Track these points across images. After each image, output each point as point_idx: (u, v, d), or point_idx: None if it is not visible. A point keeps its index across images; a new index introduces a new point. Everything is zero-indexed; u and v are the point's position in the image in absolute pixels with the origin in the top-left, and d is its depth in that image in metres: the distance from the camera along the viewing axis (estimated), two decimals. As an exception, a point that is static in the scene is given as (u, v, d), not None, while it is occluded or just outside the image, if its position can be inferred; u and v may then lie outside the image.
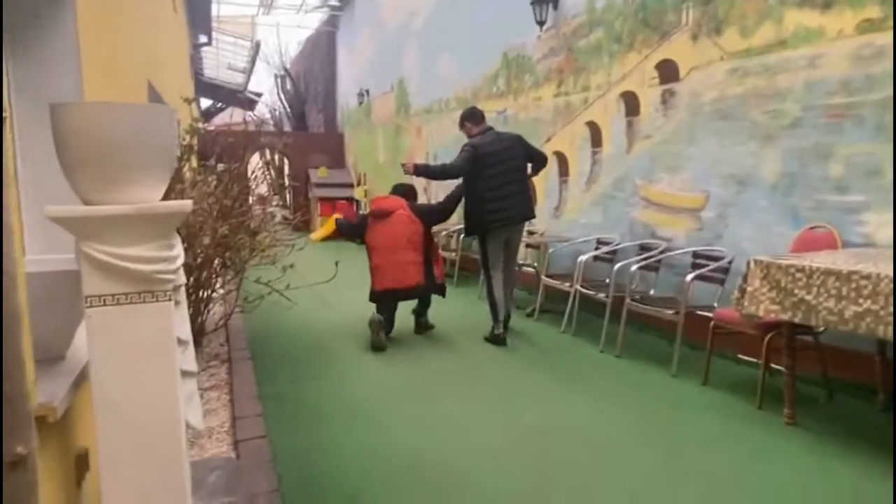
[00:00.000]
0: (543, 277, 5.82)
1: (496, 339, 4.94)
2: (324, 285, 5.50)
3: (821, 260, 3.03)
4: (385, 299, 4.95)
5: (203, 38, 13.88)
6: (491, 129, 5.12)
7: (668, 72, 5.10)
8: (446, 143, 9.43)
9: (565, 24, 6.40)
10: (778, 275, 3.13)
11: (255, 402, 3.61)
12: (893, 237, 3.50)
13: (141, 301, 1.71)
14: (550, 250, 6.24)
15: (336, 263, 5.44)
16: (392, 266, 4.89)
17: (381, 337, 4.78)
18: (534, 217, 5.23)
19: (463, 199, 5.11)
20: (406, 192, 5.36)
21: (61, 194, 1.80)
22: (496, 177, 4.79)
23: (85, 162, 1.66)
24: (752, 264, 3.28)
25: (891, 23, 3.48)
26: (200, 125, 4.76)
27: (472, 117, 5.14)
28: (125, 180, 1.70)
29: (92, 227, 1.64)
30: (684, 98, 4.94)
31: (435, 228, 8.11)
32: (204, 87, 16.21)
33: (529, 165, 5.08)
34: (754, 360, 4.09)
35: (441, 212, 5.25)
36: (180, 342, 1.84)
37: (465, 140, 5.07)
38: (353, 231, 5.57)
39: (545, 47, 6.76)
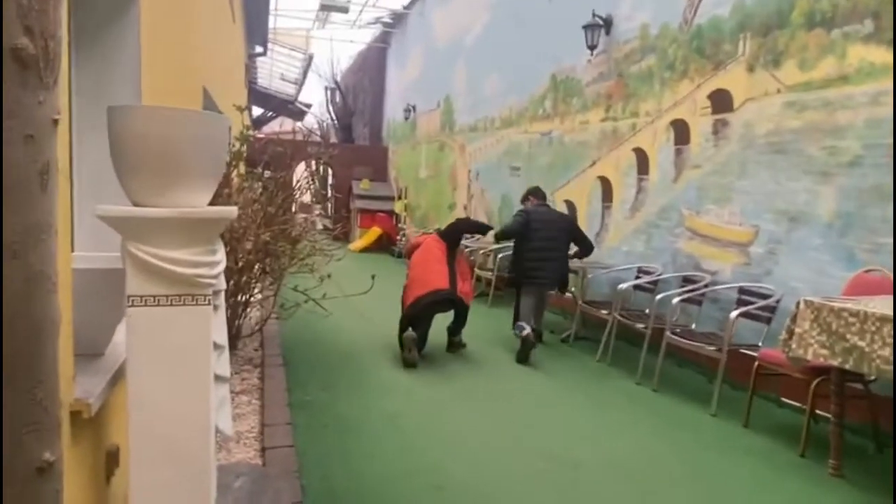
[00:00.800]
0: (581, 303, 5.73)
1: (524, 343, 5.02)
2: (359, 298, 5.52)
3: (877, 305, 2.89)
4: (418, 307, 4.96)
5: (259, 49, 14.27)
6: (547, 205, 5.80)
7: (721, 102, 5.00)
8: (489, 161, 9.44)
9: (617, 50, 6.34)
10: (829, 318, 2.99)
11: (285, 410, 3.61)
12: (893, 264, 3.34)
13: (181, 304, 1.72)
14: (590, 276, 6.14)
15: (373, 277, 5.45)
16: (422, 277, 5.03)
17: (413, 354, 4.76)
18: (566, 285, 5.69)
19: (513, 254, 5.71)
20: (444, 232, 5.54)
21: (115, 194, 1.84)
22: (539, 242, 5.39)
23: (138, 165, 1.69)
24: (802, 305, 3.15)
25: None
26: (251, 133, 4.86)
27: (536, 193, 5.85)
28: (176, 184, 1.72)
29: (139, 227, 1.66)
30: (737, 129, 4.82)
31: (473, 246, 8.12)
32: (256, 95, 16.66)
33: (575, 247, 5.65)
34: (799, 404, 3.93)
35: (450, 233, 5.37)
36: (216, 346, 1.85)
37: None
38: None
39: (595, 71, 6.71)
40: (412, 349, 4.78)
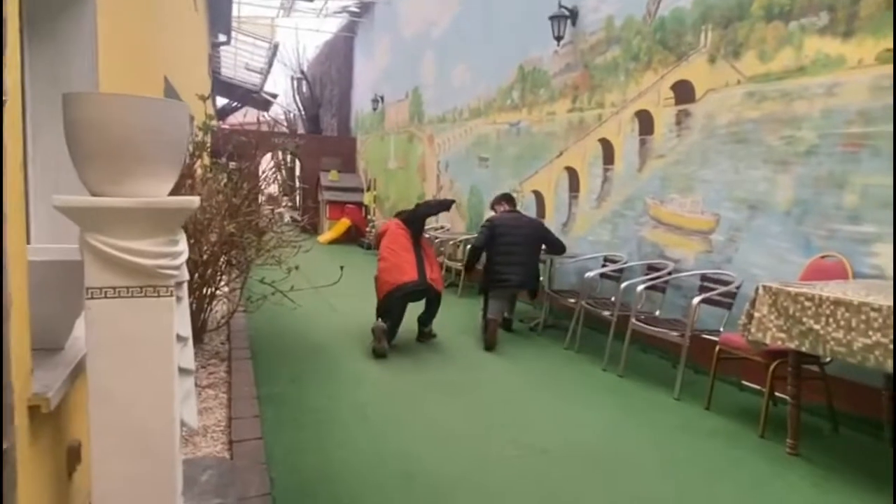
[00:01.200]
0: (549, 292, 5.79)
1: (487, 326, 5.22)
2: (328, 289, 5.49)
3: (831, 289, 2.99)
4: (391, 301, 4.98)
5: (222, 38, 13.98)
6: (517, 211, 5.98)
7: (684, 92, 5.08)
8: (458, 152, 9.44)
9: (583, 41, 6.39)
10: (787, 302, 3.09)
11: (253, 403, 3.58)
12: (893, 265, 3.47)
13: (142, 295, 1.70)
14: (557, 265, 6.21)
15: (341, 268, 5.42)
16: (394, 267, 5.02)
17: (382, 345, 4.77)
18: (535, 289, 5.69)
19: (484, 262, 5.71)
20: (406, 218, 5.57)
21: (75, 185, 1.80)
22: (505, 247, 5.47)
23: (95, 153, 1.65)
24: (760, 290, 3.24)
25: (912, 54, 3.46)
26: (214, 123, 4.77)
27: (507, 200, 6.00)
28: (135, 173, 1.69)
29: (97, 218, 1.63)
30: (699, 119, 4.92)
31: (443, 237, 8.12)
32: (220, 85, 16.34)
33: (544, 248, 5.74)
34: (758, 387, 4.05)
35: (413, 220, 5.37)
36: (180, 339, 1.83)
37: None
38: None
39: (562, 62, 6.76)
40: (382, 339, 4.79)
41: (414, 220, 5.33)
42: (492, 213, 6.01)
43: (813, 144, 4.01)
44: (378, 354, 4.74)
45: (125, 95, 1.69)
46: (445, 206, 5.91)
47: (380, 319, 4.91)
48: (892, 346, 2.63)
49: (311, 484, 2.75)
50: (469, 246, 5.92)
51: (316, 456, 3.03)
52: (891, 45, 3.56)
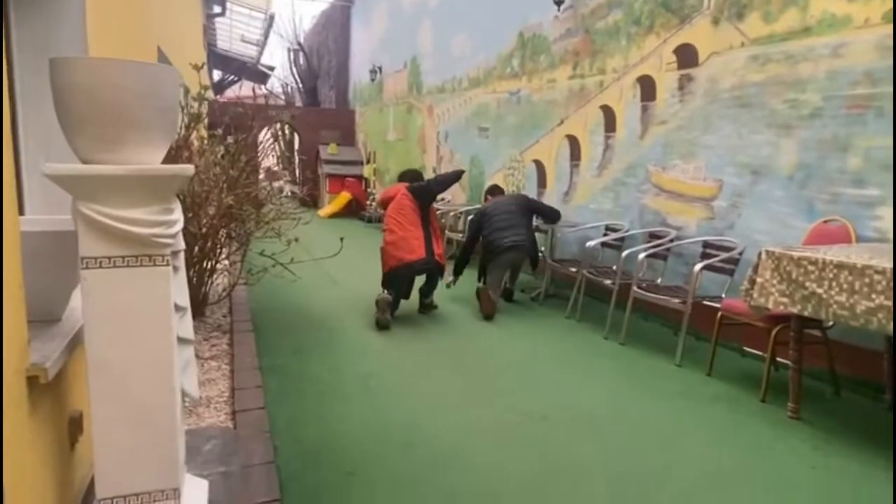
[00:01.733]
0: (550, 261, 5.77)
1: (480, 296, 5.30)
2: (329, 262, 5.48)
3: (834, 253, 2.97)
4: (398, 276, 4.95)
5: (217, 9, 13.74)
6: (504, 194, 6.20)
7: (686, 56, 4.99)
8: (458, 122, 9.34)
9: (583, 5, 6.27)
10: (789, 267, 3.07)
11: (255, 374, 3.59)
12: (894, 228, 3.44)
13: (138, 265, 1.68)
14: (558, 235, 6.18)
15: (341, 239, 5.40)
16: (402, 242, 4.94)
17: (386, 316, 4.77)
18: (534, 257, 5.66)
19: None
20: (411, 177, 5.55)
21: (67, 157, 1.77)
22: (497, 223, 5.51)
23: (84, 120, 1.61)
24: (763, 255, 3.22)
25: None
26: (209, 94, 4.70)
27: (496, 191, 6.23)
28: (126, 140, 1.65)
29: (90, 187, 1.60)
30: (702, 84, 4.84)
31: (444, 209, 8.08)
32: (216, 58, 16.12)
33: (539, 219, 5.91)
34: (760, 352, 4.05)
35: (423, 194, 5.24)
36: (178, 308, 1.81)
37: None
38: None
39: (562, 28, 6.64)
40: (386, 311, 4.79)
41: (424, 193, 5.20)
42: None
43: (817, 107, 3.94)
44: (381, 326, 4.75)
45: (115, 59, 1.64)
46: (457, 177, 5.68)
47: (385, 291, 4.91)
48: (894, 309, 2.62)
49: (313, 453, 2.76)
50: (463, 243, 5.99)
51: (318, 426, 3.05)
52: (899, 3, 3.48)
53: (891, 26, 3.52)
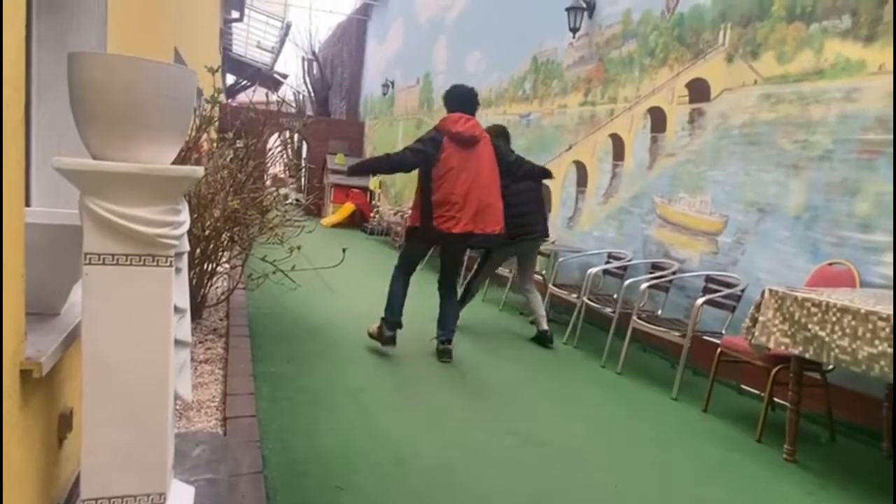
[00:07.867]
0: (551, 286, 5.76)
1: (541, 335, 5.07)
2: (329, 272, 5.45)
3: (838, 296, 2.95)
4: (456, 243, 4.12)
5: (235, 14, 13.88)
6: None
7: (699, 91, 5.02)
8: (466, 141, 9.36)
9: (599, 34, 6.32)
10: (793, 307, 3.05)
11: (249, 380, 3.56)
12: (893, 271, 3.42)
13: (141, 264, 1.66)
14: (560, 259, 6.17)
15: (344, 250, 5.39)
16: (474, 205, 4.06)
17: (392, 333, 4.45)
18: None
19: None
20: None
21: (78, 152, 1.76)
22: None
23: (100, 116, 1.61)
24: (766, 294, 3.20)
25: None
26: (221, 97, 4.72)
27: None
28: (139, 138, 1.65)
29: (98, 182, 1.59)
30: (713, 119, 4.85)
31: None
32: (231, 63, 16.24)
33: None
34: (757, 391, 4.02)
35: (528, 171, 4.67)
36: (177, 310, 1.79)
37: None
38: (405, 161, 4.55)
39: (576, 55, 6.69)
40: (386, 343, 4.44)
41: (518, 166, 4.51)
42: None
43: (827, 149, 3.95)
44: (385, 342, 4.45)
45: (132, 57, 1.64)
46: (547, 174, 4.98)
47: (385, 326, 4.41)
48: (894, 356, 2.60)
49: (302, 463, 2.73)
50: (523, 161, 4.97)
51: (308, 437, 3.01)
52: (913, 52, 3.50)
53: (904, 74, 3.53)
